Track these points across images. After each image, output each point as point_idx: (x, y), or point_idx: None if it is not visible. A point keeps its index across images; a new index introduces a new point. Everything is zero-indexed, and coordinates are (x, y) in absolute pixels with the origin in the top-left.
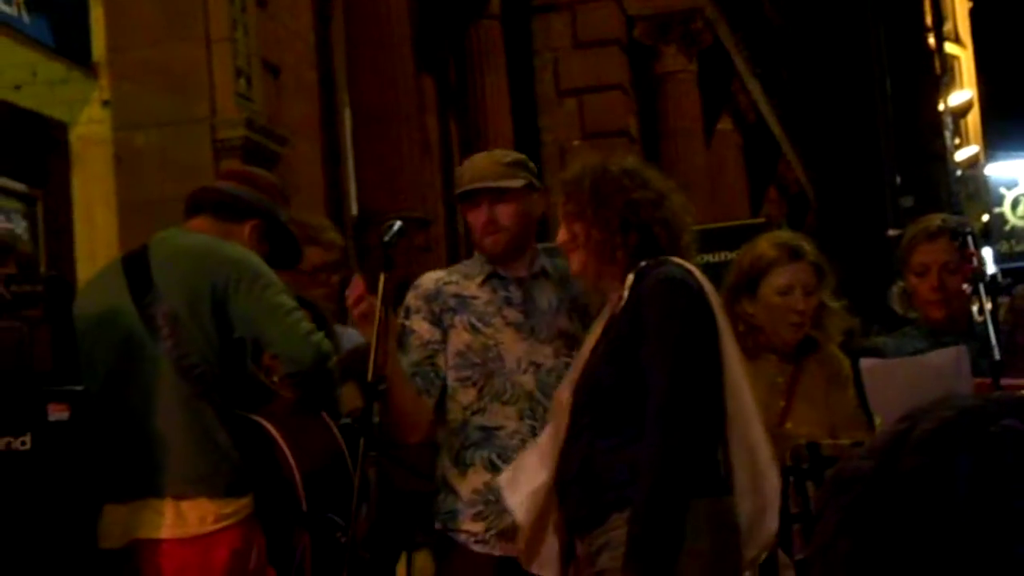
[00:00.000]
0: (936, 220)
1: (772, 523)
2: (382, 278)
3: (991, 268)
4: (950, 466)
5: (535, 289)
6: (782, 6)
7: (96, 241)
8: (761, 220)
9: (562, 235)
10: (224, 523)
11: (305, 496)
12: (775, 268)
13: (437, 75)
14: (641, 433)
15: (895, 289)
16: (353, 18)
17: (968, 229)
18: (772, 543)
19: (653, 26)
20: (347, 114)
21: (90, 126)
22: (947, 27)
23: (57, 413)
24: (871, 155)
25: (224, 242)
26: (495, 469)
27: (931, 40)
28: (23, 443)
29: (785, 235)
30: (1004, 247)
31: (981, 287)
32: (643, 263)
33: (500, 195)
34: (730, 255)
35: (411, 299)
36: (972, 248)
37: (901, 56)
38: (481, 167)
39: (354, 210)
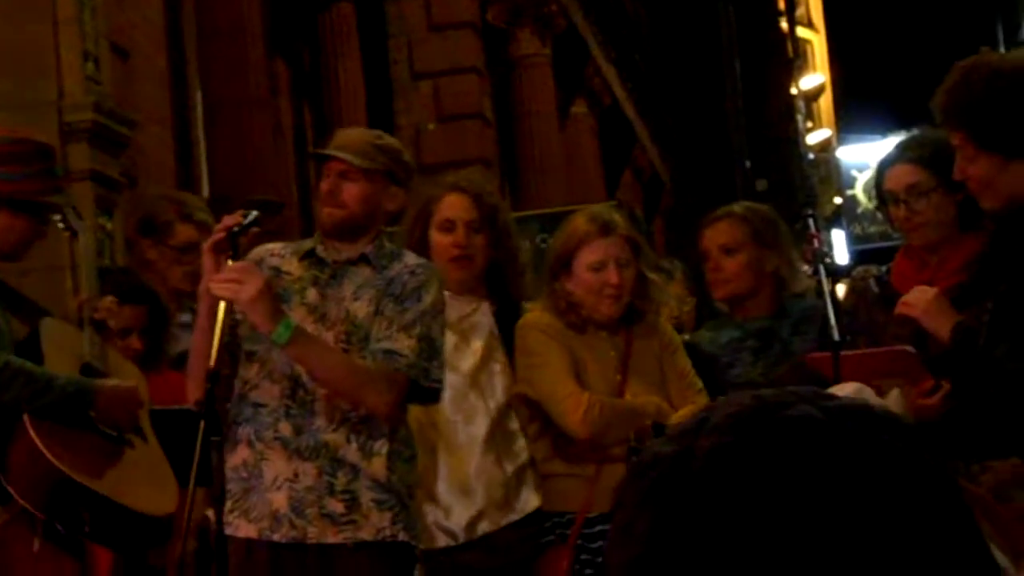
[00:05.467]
0: (727, 207)
1: None
2: (228, 265)
3: (844, 250)
4: (744, 447)
5: (348, 274)
6: None
7: None
8: (613, 203)
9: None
10: None
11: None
12: (587, 244)
13: (290, 60)
14: None
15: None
16: (204, 3)
17: (809, 212)
18: None
19: (506, 9)
20: (199, 98)
21: None
22: (800, 11)
23: None
24: (724, 139)
25: None
26: (251, 447)
27: (783, 24)
28: None
29: (598, 209)
30: (857, 229)
31: (822, 268)
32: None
33: (351, 171)
34: None
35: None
36: (813, 230)
37: (753, 40)
38: (348, 138)
39: (207, 193)
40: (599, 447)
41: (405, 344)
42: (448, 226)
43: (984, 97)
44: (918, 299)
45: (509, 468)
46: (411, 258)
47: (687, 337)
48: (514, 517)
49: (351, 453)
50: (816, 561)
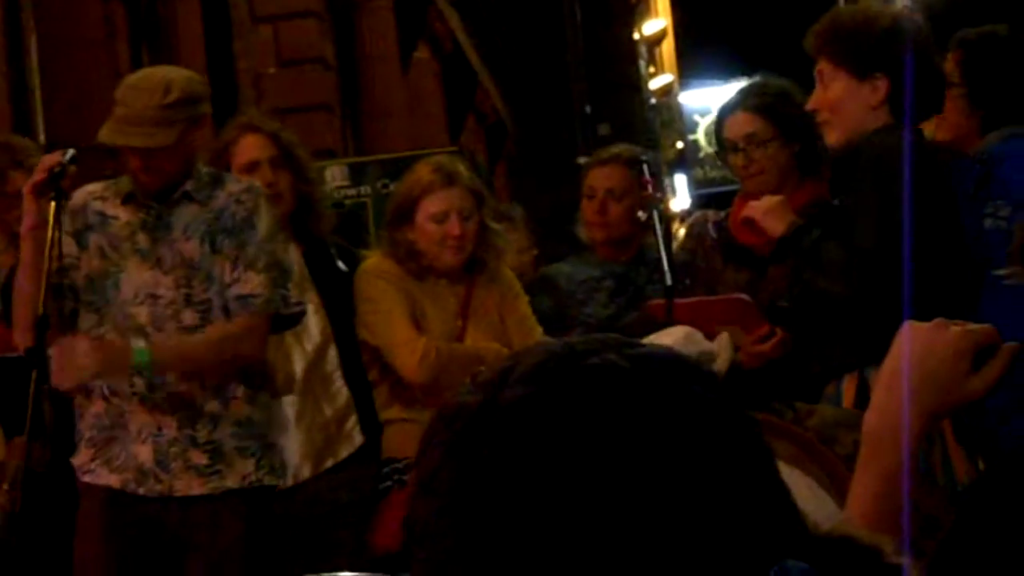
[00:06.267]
0: (615, 149)
1: None
2: (52, 206)
3: (686, 194)
4: (547, 397)
5: (174, 214)
6: None
7: None
8: (454, 148)
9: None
10: None
11: None
12: (430, 194)
13: (127, 1)
14: None
15: (579, 216)
16: None
17: (644, 157)
18: None
19: None
20: (33, 41)
21: None
22: None
23: None
24: (565, 84)
25: None
26: (107, 401)
27: None
28: None
29: (442, 160)
30: (699, 174)
31: (655, 214)
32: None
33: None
34: None
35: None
36: (647, 176)
37: None
38: (136, 107)
39: (43, 139)
40: (437, 392)
41: (256, 282)
42: (251, 167)
43: (851, 20)
44: (760, 202)
45: (328, 410)
46: (232, 183)
47: (542, 271)
48: (337, 459)
49: (208, 402)
50: (617, 510)
